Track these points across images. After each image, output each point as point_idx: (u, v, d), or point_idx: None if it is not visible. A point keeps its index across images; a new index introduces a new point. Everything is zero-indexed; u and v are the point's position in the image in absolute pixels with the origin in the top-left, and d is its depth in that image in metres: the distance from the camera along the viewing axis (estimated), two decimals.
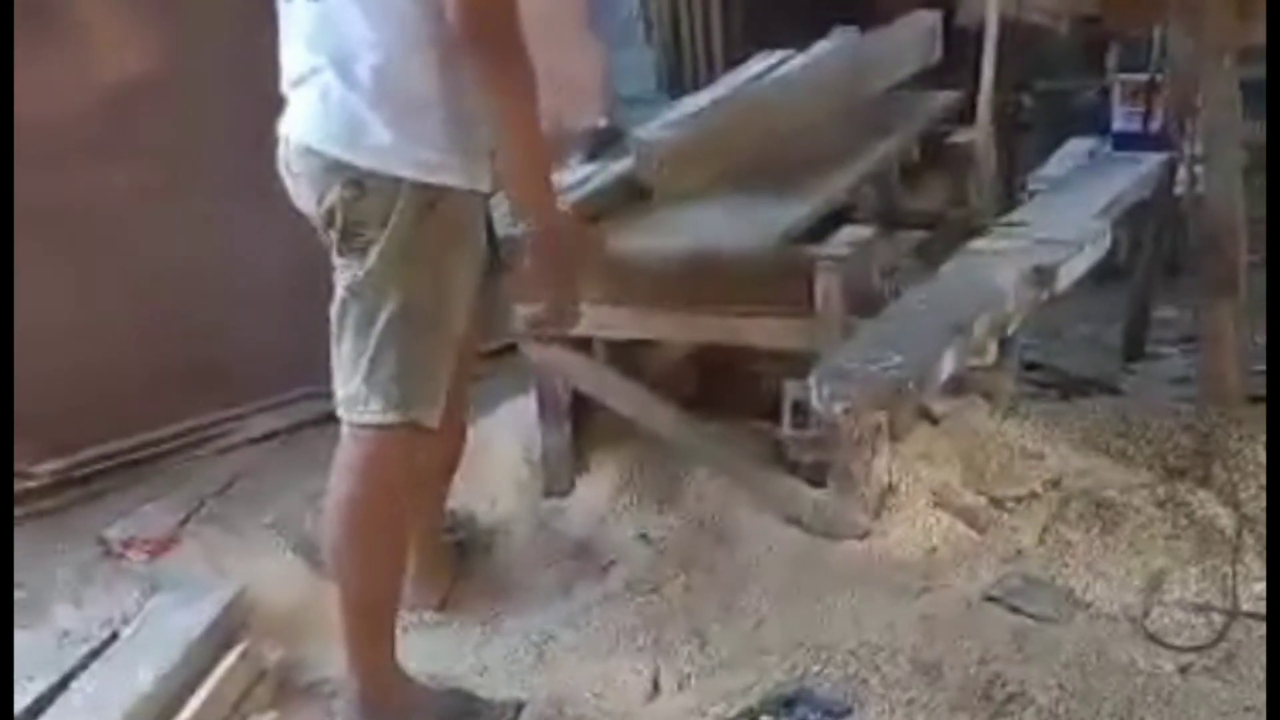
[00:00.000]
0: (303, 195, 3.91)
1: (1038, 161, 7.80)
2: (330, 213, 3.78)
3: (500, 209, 4.16)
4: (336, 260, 3.86)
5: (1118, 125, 8.04)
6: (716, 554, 4.95)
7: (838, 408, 3.86)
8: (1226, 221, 5.40)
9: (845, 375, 3.90)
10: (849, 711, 4.20)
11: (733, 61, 7.23)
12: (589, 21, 7.66)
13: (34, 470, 5.52)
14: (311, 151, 3.79)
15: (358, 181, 3.73)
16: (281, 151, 3.93)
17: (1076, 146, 7.95)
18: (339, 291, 3.88)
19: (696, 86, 7.28)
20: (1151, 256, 6.42)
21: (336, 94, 3.73)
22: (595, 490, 5.25)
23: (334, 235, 3.81)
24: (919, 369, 3.93)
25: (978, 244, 4.82)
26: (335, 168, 3.75)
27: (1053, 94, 8.77)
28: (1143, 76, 7.24)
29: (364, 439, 3.97)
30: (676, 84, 8.31)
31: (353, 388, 3.93)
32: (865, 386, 3.84)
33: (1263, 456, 5.10)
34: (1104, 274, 5.20)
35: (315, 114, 3.79)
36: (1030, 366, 5.97)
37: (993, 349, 4.50)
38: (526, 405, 5.34)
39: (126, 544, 5.21)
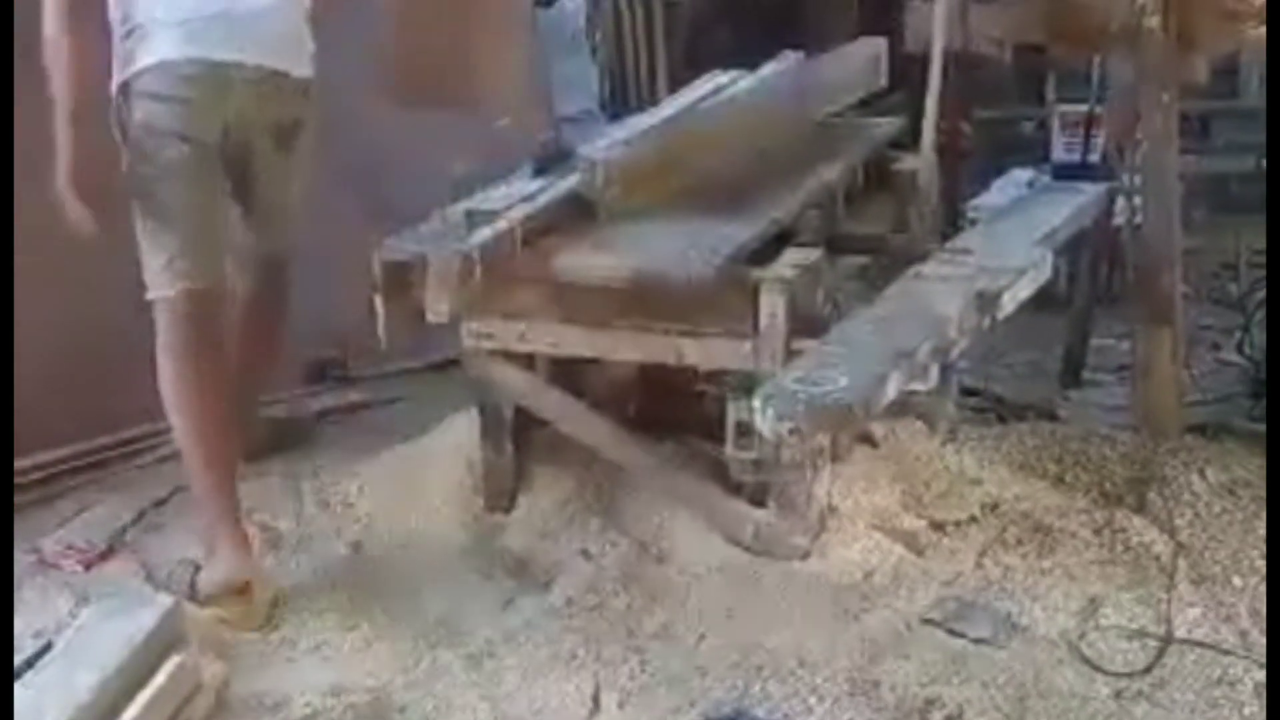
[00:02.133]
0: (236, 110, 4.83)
1: (977, 189, 7.89)
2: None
3: None
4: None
5: (1057, 155, 8.18)
6: (657, 572, 4.96)
7: (783, 429, 3.88)
8: (1163, 252, 5.49)
9: (791, 397, 3.91)
10: None
11: (677, 82, 7.27)
12: (533, 38, 7.67)
13: None
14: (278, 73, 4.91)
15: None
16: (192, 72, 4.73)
17: (1016, 176, 8.05)
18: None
19: (640, 105, 7.32)
20: (1090, 285, 6.49)
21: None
22: (537, 507, 5.25)
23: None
24: (864, 392, 3.95)
25: (922, 269, 4.85)
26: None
27: (992, 123, 8.87)
28: (1082, 107, 7.35)
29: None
30: (620, 102, 8.35)
31: None
32: (811, 408, 3.85)
33: (1198, 485, 5.17)
34: (1042, 302, 5.25)
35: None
36: (968, 392, 6.02)
37: (935, 373, 4.52)
38: (469, 421, 5.33)
39: (61, 554, 5.15)
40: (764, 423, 3.94)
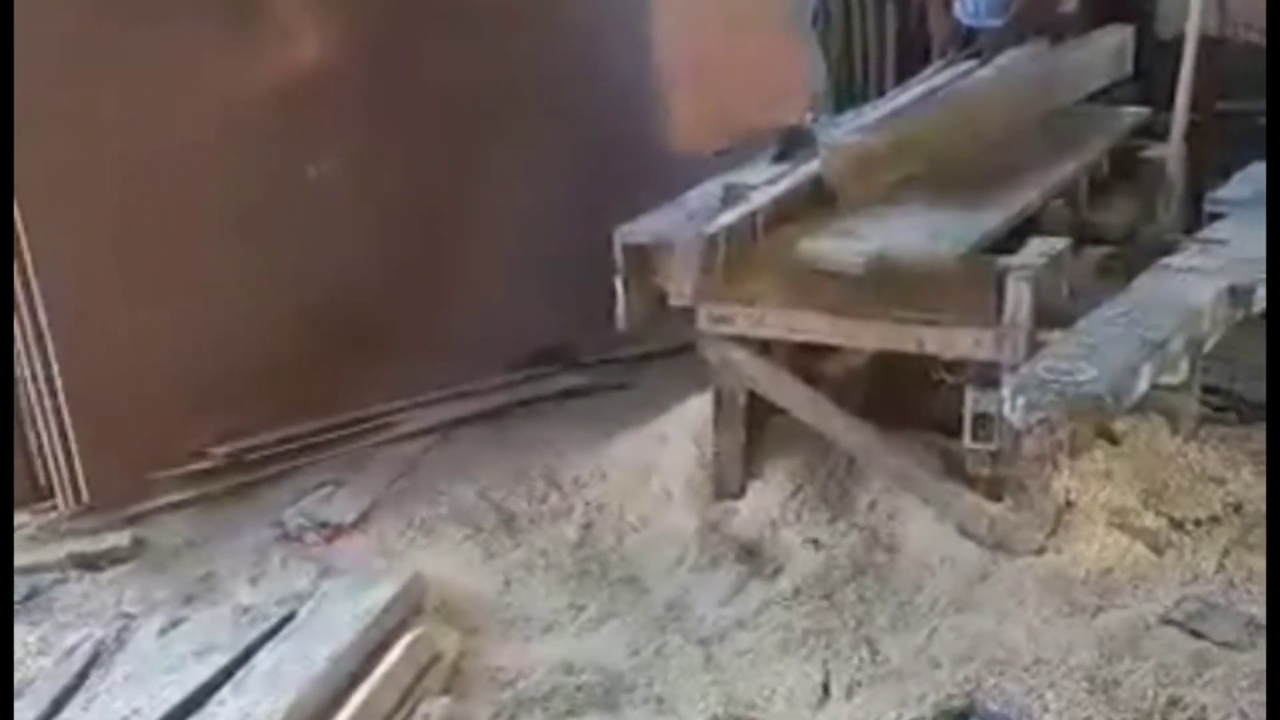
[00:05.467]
0: None
1: (1216, 183, 7.66)
2: None
3: None
4: None
5: None
6: (888, 563, 4.93)
7: (1033, 419, 3.81)
8: None
9: (1042, 386, 3.84)
10: None
11: (904, 72, 7.18)
12: (789, 20, 7.59)
13: (211, 452, 5.59)
14: None
15: None
16: None
17: (1257, 170, 7.79)
18: None
19: (866, 94, 7.24)
20: None
21: None
22: (766, 494, 5.22)
23: None
24: (1116, 383, 3.87)
25: (1171, 260, 4.73)
26: None
27: (1231, 115, 8.61)
28: None
29: None
30: (847, 91, 8.26)
31: None
32: (1063, 398, 3.78)
33: None
34: None
35: None
36: (1210, 390, 5.85)
37: (1184, 367, 4.42)
38: (702, 406, 5.32)
39: (304, 528, 5.27)
40: (1014, 412, 3.87)
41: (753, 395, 5.19)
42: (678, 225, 4.81)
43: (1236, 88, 8.81)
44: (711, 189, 5.13)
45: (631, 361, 6.36)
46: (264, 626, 4.56)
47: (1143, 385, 4.03)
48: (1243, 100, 8.97)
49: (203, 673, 4.30)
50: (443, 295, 6.08)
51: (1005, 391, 3.88)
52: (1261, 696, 4.16)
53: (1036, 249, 4.71)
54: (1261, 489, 5.12)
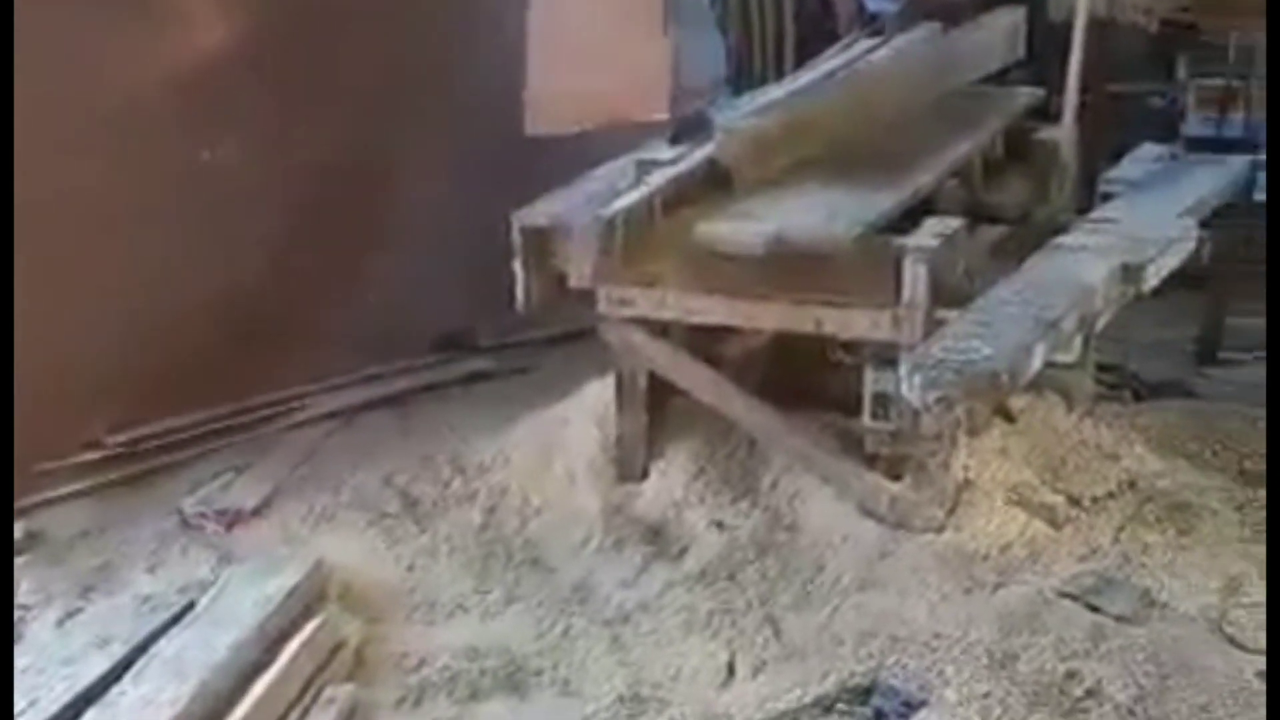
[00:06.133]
0: None
1: (1107, 163, 7.77)
2: None
3: None
4: None
5: (1192, 130, 8.01)
6: (790, 543, 4.96)
7: (931, 397, 3.85)
8: None
9: (939, 365, 3.89)
10: (924, 703, 4.20)
11: (804, 55, 7.21)
12: (664, 11, 7.65)
13: (107, 440, 5.53)
14: None
15: None
16: None
17: (1147, 150, 7.91)
18: None
19: (765, 78, 7.28)
20: (1229, 262, 6.38)
21: None
22: (669, 476, 5.24)
23: None
24: (1012, 360, 3.93)
25: (1064, 240, 4.80)
26: None
27: (1120, 98, 8.73)
28: (1219, 82, 7.21)
29: None
30: (746, 75, 8.29)
31: None
32: (960, 376, 3.83)
33: None
34: (1176, 278, 5.19)
35: None
36: (1103, 368, 5.94)
37: (1077, 345, 4.49)
38: (604, 389, 5.33)
39: (203, 516, 5.22)
40: (911, 391, 3.93)
41: (654, 377, 5.21)
42: (576, 208, 4.81)
43: (1126, 70, 8.96)
44: (609, 172, 5.14)
45: (535, 345, 6.38)
46: (164, 615, 4.51)
47: (1037, 363, 4.10)
48: (1132, 82, 9.12)
49: (102, 663, 4.24)
50: (345, 282, 6.07)
51: (902, 370, 3.93)
52: (1156, 668, 4.24)
53: (932, 229, 4.75)
54: (1155, 465, 5.22)
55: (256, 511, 5.26)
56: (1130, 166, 7.48)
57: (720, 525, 5.05)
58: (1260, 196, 6.13)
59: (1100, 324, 4.53)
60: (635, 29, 7.26)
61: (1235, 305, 6.54)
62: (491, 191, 5.25)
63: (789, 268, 4.71)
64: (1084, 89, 5.79)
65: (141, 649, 4.31)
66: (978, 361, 3.87)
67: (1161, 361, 6.41)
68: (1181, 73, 8.96)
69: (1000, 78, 6.34)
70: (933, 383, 3.85)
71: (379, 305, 6.10)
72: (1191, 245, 4.88)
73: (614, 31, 7.04)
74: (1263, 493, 4.99)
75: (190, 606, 4.53)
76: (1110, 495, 5.09)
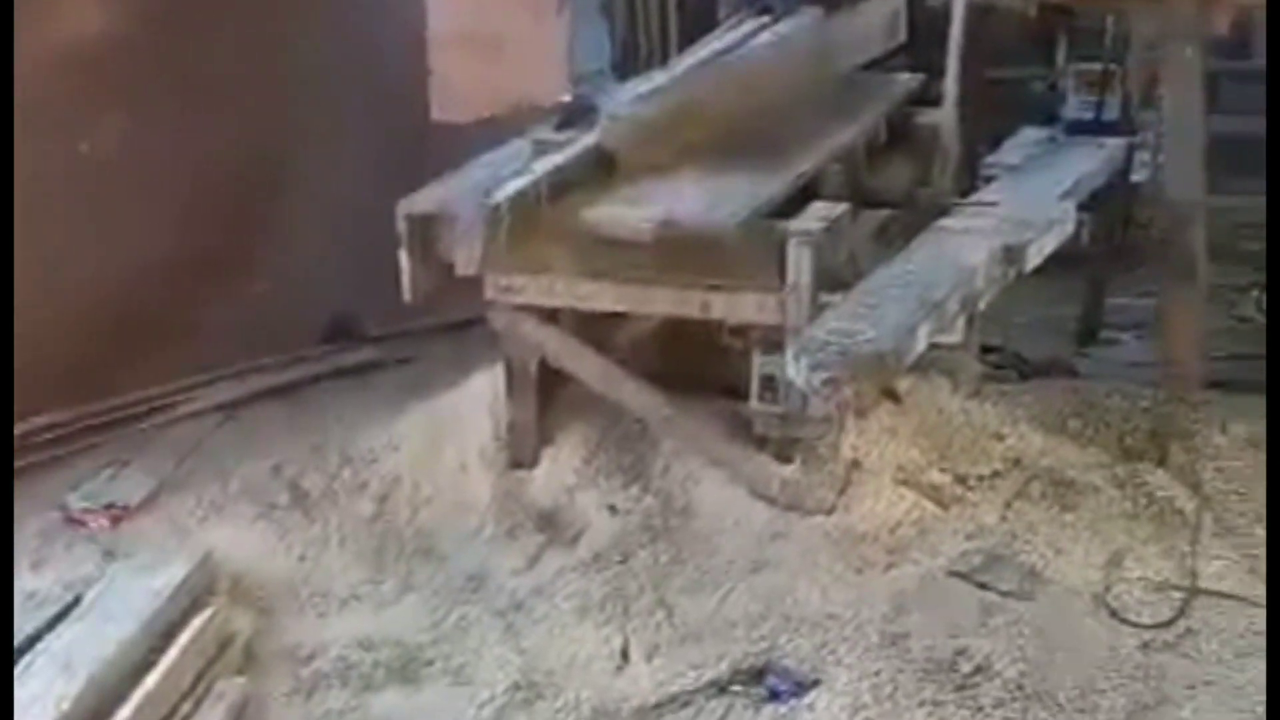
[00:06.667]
0: None
1: (990, 148, 7.86)
2: None
3: None
4: None
5: (1071, 114, 8.13)
6: (684, 526, 4.98)
7: (818, 379, 3.89)
8: (1187, 209, 5.47)
9: (824, 347, 3.93)
10: (817, 683, 4.24)
11: (688, 41, 7.24)
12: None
13: None
14: None
15: None
16: None
17: (1028, 134, 8.02)
18: None
19: (651, 64, 7.30)
20: (1108, 242, 6.49)
21: None
22: (561, 462, 5.25)
23: None
24: (897, 341, 3.97)
25: (947, 222, 4.86)
26: None
27: (1001, 83, 8.83)
28: (1097, 66, 7.32)
29: None
30: (631, 61, 8.31)
31: None
32: (845, 358, 3.87)
33: (1219, 439, 5.22)
34: (1059, 259, 5.27)
35: None
36: (989, 349, 6.02)
37: (961, 326, 4.55)
38: (494, 377, 5.32)
39: (88, 511, 5.15)
40: (798, 374, 3.96)
41: (544, 364, 5.20)
42: (461, 195, 4.80)
43: (1009, 55, 9.07)
44: (496, 158, 5.13)
45: (426, 334, 6.33)
46: (50, 611, 4.45)
47: (921, 344, 4.15)
48: (1015, 67, 9.24)
49: None
50: (234, 273, 6.01)
51: (789, 354, 3.97)
52: (1044, 642, 4.31)
53: (816, 214, 4.79)
54: (1039, 443, 5.31)
55: (142, 506, 5.19)
56: (1010, 150, 7.59)
57: (613, 510, 5.07)
58: (1137, 178, 6.25)
59: (982, 304, 4.58)
60: (531, 14, 7.26)
61: (1116, 285, 6.65)
62: (393, 179, 5.22)
63: (676, 253, 4.73)
64: (964, 73, 5.85)
65: (28, 646, 4.26)
66: (863, 343, 3.91)
67: (1045, 341, 6.51)
68: (1061, 57, 9.12)
69: (883, 63, 6.39)
70: (819, 365, 3.88)
71: (269, 296, 6.05)
72: (1071, 227, 4.96)
73: (511, 17, 7.02)
74: (1142, 469, 5.08)
75: (76, 602, 4.48)
76: (996, 474, 5.17)
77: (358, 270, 5.80)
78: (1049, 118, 8.25)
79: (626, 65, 8.04)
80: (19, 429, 5.39)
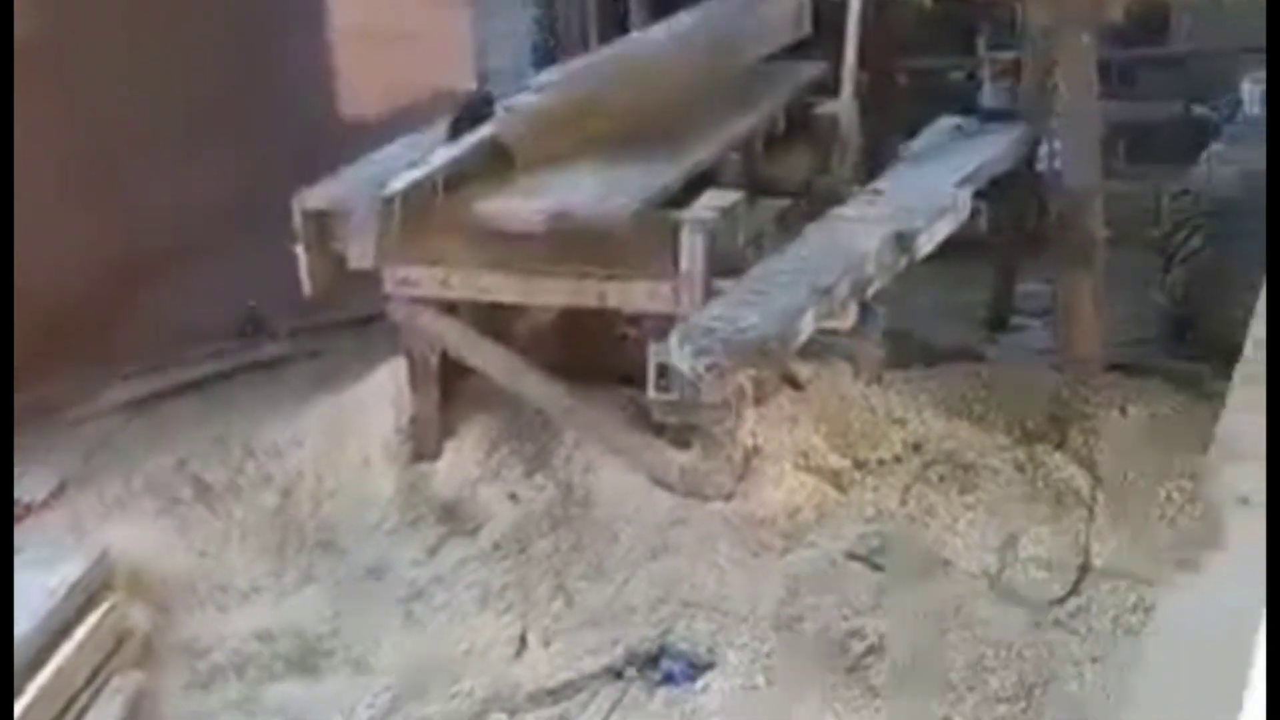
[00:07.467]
0: None
1: (906, 137, 7.91)
2: None
3: None
4: None
5: (987, 102, 8.18)
6: (585, 515, 5.02)
7: (701, 366, 3.92)
8: (1082, 195, 5.55)
9: (708, 334, 3.96)
10: (712, 665, 4.29)
11: (607, 37, 7.27)
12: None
13: None
14: None
15: None
16: None
17: (944, 123, 8.06)
18: None
19: (566, 52, 7.32)
20: (1014, 229, 6.54)
21: None
22: (464, 454, 5.28)
23: None
24: (780, 327, 4.01)
25: (841, 210, 4.90)
26: None
27: (922, 73, 8.88)
28: (1011, 54, 7.37)
29: None
30: (550, 57, 8.32)
31: None
32: (727, 344, 3.90)
33: (1118, 421, 5.27)
34: (968, 246, 5.32)
35: None
36: (896, 336, 6.05)
37: (853, 311, 4.58)
38: (396, 370, 5.35)
39: None
40: (681, 360, 4.00)
41: (446, 357, 5.23)
42: (355, 189, 4.81)
43: (930, 46, 9.12)
44: (392, 152, 5.15)
45: (333, 329, 6.34)
46: None
47: (807, 330, 4.19)
48: (935, 57, 9.28)
49: None
50: (141, 271, 6.00)
51: (673, 340, 3.99)
52: (937, 623, 4.37)
53: (709, 202, 4.82)
54: (939, 428, 5.35)
55: (46, 502, 5.20)
56: (923, 139, 7.65)
57: (514, 499, 5.10)
58: (1040, 167, 6.29)
59: (873, 290, 4.61)
60: (439, 9, 7.28)
61: (1027, 272, 6.69)
62: (303, 176, 5.21)
63: (571, 243, 4.76)
64: (869, 64, 5.90)
65: None
66: (745, 329, 3.95)
67: (954, 328, 6.55)
68: (981, 47, 9.18)
69: (793, 53, 6.42)
70: (701, 351, 3.91)
71: (179, 293, 6.03)
72: (965, 213, 4.99)
73: (418, 12, 7.04)
74: (1041, 451, 5.14)
75: None
76: (896, 459, 5.21)
77: (270, 267, 5.79)
78: (967, 108, 8.31)
79: (543, 62, 8.05)
80: None
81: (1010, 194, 6.37)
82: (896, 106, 7.62)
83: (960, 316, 6.70)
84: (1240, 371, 3.30)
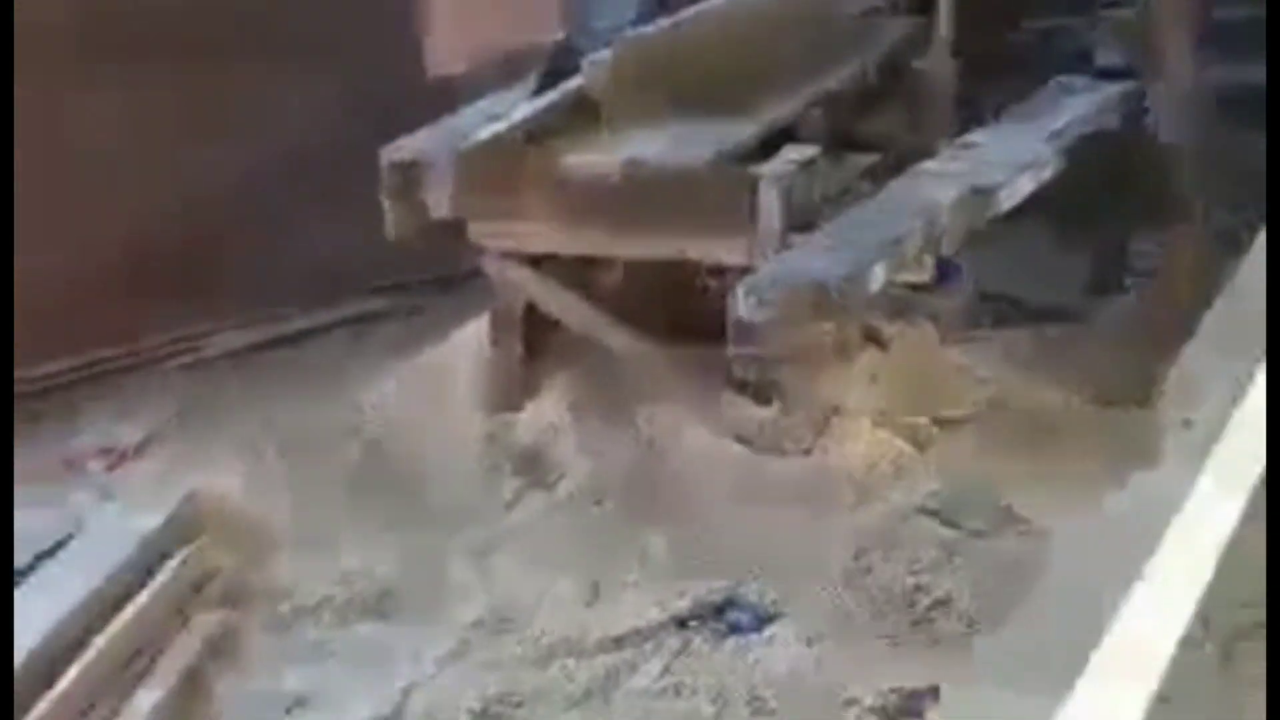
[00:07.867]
0: None
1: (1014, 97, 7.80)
2: None
3: None
4: None
5: (1101, 61, 8.04)
6: (662, 468, 5.03)
7: (762, 316, 3.93)
8: (1179, 154, 5.45)
9: (773, 285, 3.97)
10: (776, 617, 4.31)
11: None
12: None
13: None
14: None
15: None
16: None
17: (1057, 83, 7.94)
18: None
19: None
20: (1118, 187, 6.43)
21: None
22: (546, 406, 5.31)
23: None
24: (842, 275, 4.00)
25: (925, 165, 4.87)
26: None
27: (1043, 33, 8.75)
28: (1127, 13, 7.24)
29: None
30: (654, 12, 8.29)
31: None
32: (790, 295, 3.91)
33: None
34: (1077, 206, 5.25)
35: None
36: (989, 296, 5.99)
37: (929, 265, 4.56)
38: (485, 324, 5.40)
39: (87, 455, 5.29)
40: (747, 311, 4.00)
41: (532, 309, 5.27)
42: (442, 141, 4.87)
43: (1049, 6, 8.95)
44: (483, 107, 5.20)
45: (427, 286, 6.41)
46: (40, 548, 4.59)
47: (877, 281, 4.17)
48: (1053, 18, 9.12)
49: None
50: (240, 225, 6.09)
51: (740, 291, 3.99)
52: (1005, 578, 4.33)
53: (788, 156, 4.81)
54: (1023, 387, 5.29)
55: (140, 450, 5.34)
56: (1033, 99, 7.53)
57: (593, 452, 5.13)
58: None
59: (950, 244, 4.58)
60: None
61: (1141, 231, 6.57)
62: (397, 134, 5.27)
63: (650, 196, 4.78)
64: (975, 23, 5.81)
65: (20, 578, 4.40)
66: (809, 280, 3.95)
67: (1052, 288, 6.45)
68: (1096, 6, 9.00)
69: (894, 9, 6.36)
70: (766, 301, 3.92)
71: (276, 247, 6.13)
72: (1048, 170, 4.94)
73: None
74: (1116, 412, 5.06)
75: (66, 540, 4.62)
76: (977, 418, 5.16)
77: (365, 222, 5.88)
78: (1081, 67, 8.16)
79: (647, 19, 8.03)
80: (28, 373, 5.56)
81: (1114, 152, 6.27)
82: (1004, 65, 7.52)
83: (1063, 277, 6.61)
84: None
